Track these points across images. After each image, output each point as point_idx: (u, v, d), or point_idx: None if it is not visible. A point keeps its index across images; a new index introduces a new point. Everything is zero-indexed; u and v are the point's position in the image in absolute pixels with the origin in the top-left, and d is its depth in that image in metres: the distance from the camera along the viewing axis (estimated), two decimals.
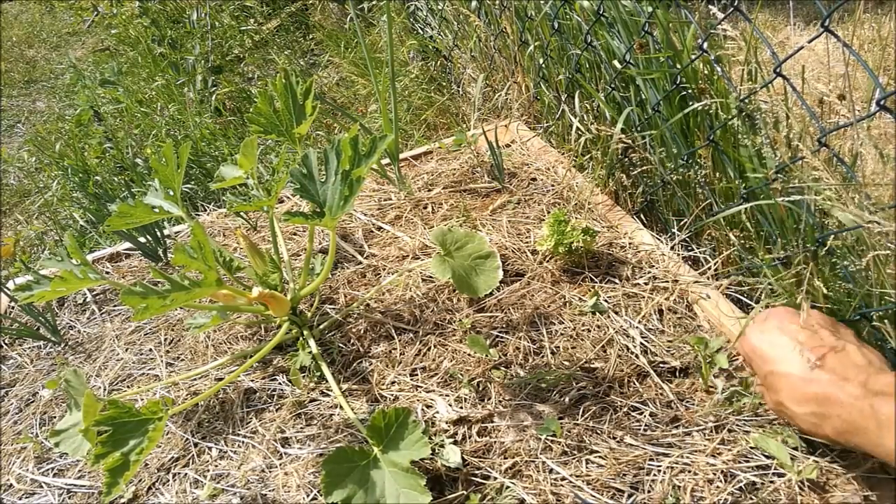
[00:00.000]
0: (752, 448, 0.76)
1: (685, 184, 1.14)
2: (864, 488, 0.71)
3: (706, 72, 1.05)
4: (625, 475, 0.74)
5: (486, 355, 0.90)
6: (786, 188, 0.88)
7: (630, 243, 1.10)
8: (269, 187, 0.90)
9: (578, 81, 1.37)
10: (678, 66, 1.06)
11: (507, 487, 0.74)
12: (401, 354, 0.94)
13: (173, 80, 2.55)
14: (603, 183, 1.28)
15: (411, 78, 2.23)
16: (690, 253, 1.09)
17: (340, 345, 0.97)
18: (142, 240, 1.18)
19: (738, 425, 0.79)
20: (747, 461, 0.75)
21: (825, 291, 0.83)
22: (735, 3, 0.88)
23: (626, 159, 1.26)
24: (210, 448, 0.85)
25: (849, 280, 0.83)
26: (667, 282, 1.01)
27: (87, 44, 4.04)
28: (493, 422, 0.83)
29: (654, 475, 0.74)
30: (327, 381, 0.89)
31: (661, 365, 0.89)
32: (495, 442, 0.80)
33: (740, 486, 0.72)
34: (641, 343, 0.91)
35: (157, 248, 1.21)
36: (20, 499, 0.83)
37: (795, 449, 0.75)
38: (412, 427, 0.72)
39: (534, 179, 1.31)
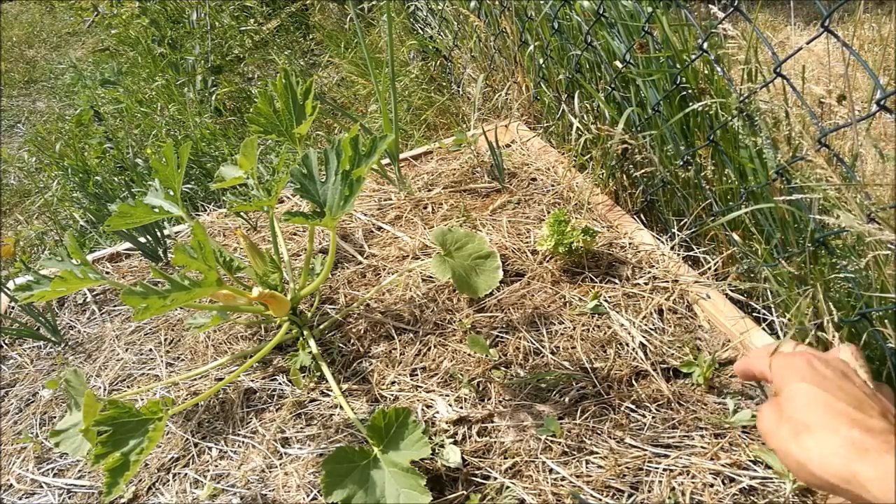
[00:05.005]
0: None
1: (685, 184, 1.14)
2: None
3: (706, 72, 1.05)
4: (625, 476, 0.74)
5: (486, 355, 0.90)
6: (786, 188, 0.88)
7: (630, 243, 1.10)
8: (270, 187, 0.90)
9: (578, 81, 1.37)
10: (678, 66, 1.06)
11: (507, 487, 0.74)
12: (401, 354, 0.94)
13: (173, 80, 2.55)
14: (603, 183, 1.28)
15: (411, 78, 2.23)
16: (690, 253, 1.09)
17: (340, 345, 0.97)
18: (142, 240, 1.18)
19: (740, 435, 0.79)
20: (747, 464, 0.75)
21: (832, 308, 0.81)
22: (735, 3, 0.88)
23: (626, 159, 1.26)
24: (210, 448, 0.85)
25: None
26: (667, 282, 1.01)
27: (87, 44, 4.05)
28: (493, 422, 0.83)
29: (654, 476, 0.74)
30: (327, 381, 0.89)
31: (661, 365, 0.89)
32: (495, 442, 0.80)
33: (741, 488, 0.72)
34: (641, 343, 0.91)
35: (158, 248, 1.21)
36: (20, 499, 0.83)
37: None
38: (412, 427, 0.72)
39: (534, 179, 1.31)
